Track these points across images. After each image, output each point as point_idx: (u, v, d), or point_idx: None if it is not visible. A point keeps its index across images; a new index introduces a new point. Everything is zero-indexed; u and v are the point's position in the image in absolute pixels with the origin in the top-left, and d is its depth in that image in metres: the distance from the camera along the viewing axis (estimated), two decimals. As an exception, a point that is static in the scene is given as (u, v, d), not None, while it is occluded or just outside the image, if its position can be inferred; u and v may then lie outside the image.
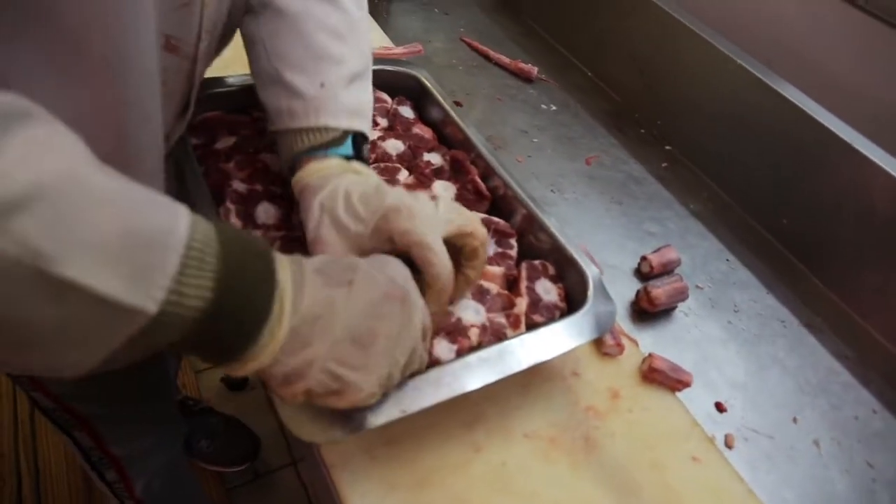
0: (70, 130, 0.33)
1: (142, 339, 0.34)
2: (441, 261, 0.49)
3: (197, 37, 0.51)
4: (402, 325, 0.44)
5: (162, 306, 0.33)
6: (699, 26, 0.96)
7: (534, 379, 0.63)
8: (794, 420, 0.70)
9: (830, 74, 0.90)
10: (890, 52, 0.85)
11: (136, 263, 0.32)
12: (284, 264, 0.41)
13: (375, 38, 1.08)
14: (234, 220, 0.62)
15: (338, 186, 0.55)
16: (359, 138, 0.60)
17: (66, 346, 0.33)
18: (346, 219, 0.52)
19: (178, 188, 0.63)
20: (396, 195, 0.52)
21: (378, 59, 0.84)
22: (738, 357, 0.74)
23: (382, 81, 0.80)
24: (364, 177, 0.57)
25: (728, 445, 0.66)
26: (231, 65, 0.91)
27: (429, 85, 0.80)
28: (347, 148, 0.58)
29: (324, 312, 0.41)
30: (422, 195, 0.54)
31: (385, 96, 0.80)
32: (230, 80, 0.74)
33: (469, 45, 1.17)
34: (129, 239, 0.32)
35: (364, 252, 0.52)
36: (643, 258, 0.80)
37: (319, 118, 0.57)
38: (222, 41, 0.62)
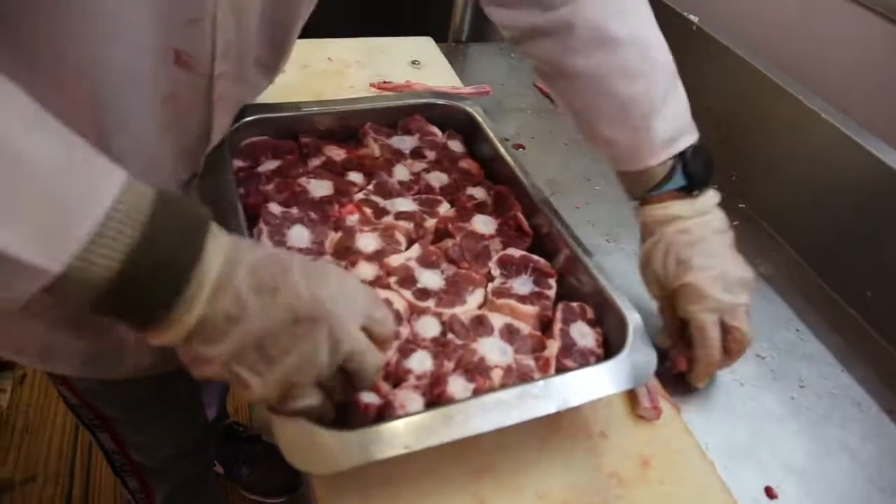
0: (12, 84, 0.34)
1: (52, 295, 0.36)
2: (712, 344, 0.61)
3: (211, 56, 0.51)
4: (316, 350, 0.42)
5: (67, 269, 0.34)
6: (781, 77, 0.89)
7: (555, 434, 0.58)
8: (861, 519, 0.60)
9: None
10: None
11: (47, 226, 0.34)
12: (218, 252, 0.40)
13: (445, 78, 1.09)
14: (266, 241, 0.62)
15: (661, 239, 0.64)
16: (694, 153, 0.63)
17: None
18: (660, 272, 0.63)
19: (214, 210, 0.65)
20: (697, 266, 0.61)
21: (435, 94, 0.84)
22: (798, 438, 0.66)
23: (435, 115, 0.80)
24: (689, 223, 0.63)
25: (776, 538, 0.58)
26: (295, 93, 0.94)
27: (480, 120, 0.79)
28: (678, 181, 0.63)
29: (240, 315, 0.40)
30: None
31: (436, 130, 0.80)
32: (282, 107, 0.75)
33: (541, 90, 1.15)
34: (46, 202, 0.34)
35: (666, 297, 0.65)
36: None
37: (641, 163, 0.63)
38: (267, 67, 0.63)
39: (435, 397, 0.52)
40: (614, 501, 0.54)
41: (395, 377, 0.53)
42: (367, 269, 0.61)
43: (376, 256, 0.63)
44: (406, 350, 0.55)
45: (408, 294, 0.59)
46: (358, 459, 0.45)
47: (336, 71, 1.04)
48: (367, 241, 0.64)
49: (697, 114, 1.03)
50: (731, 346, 0.62)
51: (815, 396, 0.70)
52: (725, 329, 0.62)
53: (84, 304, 0.37)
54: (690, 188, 0.63)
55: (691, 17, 1.03)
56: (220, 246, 0.40)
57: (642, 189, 0.65)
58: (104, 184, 0.36)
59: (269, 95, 0.81)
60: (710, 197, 0.65)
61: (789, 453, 0.64)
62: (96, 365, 0.65)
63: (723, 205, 0.95)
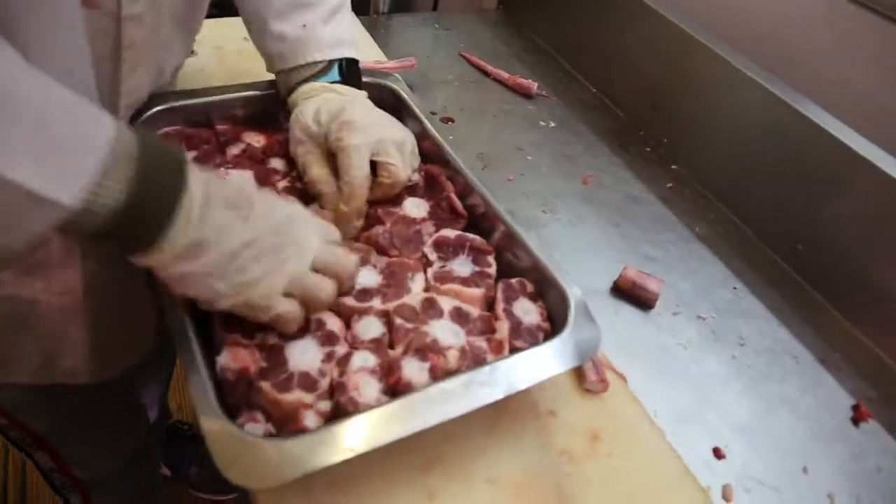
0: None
1: (65, 228, 0.40)
2: (358, 170, 0.59)
3: None
4: (282, 266, 0.48)
5: (81, 203, 0.39)
6: (710, 39, 0.89)
7: (503, 417, 0.57)
8: (805, 470, 0.62)
9: (854, 89, 0.83)
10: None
11: (60, 164, 0.38)
12: (198, 183, 0.45)
13: (369, 53, 1.04)
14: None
15: (312, 103, 0.64)
16: (346, 64, 0.68)
17: None
18: (312, 124, 0.63)
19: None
20: (356, 112, 0.62)
21: (364, 72, 0.80)
22: (741, 397, 0.67)
23: (359, 93, 0.76)
24: (341, 95, 0.66)
25: (726, 498, 0.58)
26: (210, 77, 0.89)
27: (406, 97, 0.75)
28: (333, 75, 0.67)
29: (215, 238, 0.45)
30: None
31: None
32: (194, 93, 0.70)
33: (468, 60, 1.12)
34: (57, 142, 0.38)
35: (323, 149, 0.63)
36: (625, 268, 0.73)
37: (306, 56, 0.66)
38: (182, 25, 0.60)
39: (392, 386, 0.49)
40: (566, 479, 0.54)
41: (337, 387, 0.50)
42: None
43: None
44: (344, 359, 0.52)
45: (348, 299, 0.56)
46: (301, 470, 0.42)
47: (252, 51, 0.96)
48: None
49: (628, 77, 1.02)
50: (383, 180, 0.62)
51: (754, 353, 0.71)
52: (377, 165, 0.62)
53: (88, 233, 0.41)
54: (343, 83, 0.68)
55: (614, -22, 1.02)
56: (197, 178, 0.45)
57: (298, 79, 0.67)
58: (101, 125, 0.41)
59: (182, 81, 0.76)
60: (358, 92, 0.69)
61: (734, 413, 0.65)
62: (52, 370, 0.63)
63: (656, 168, 0.95)
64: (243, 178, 0.63)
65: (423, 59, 1.09)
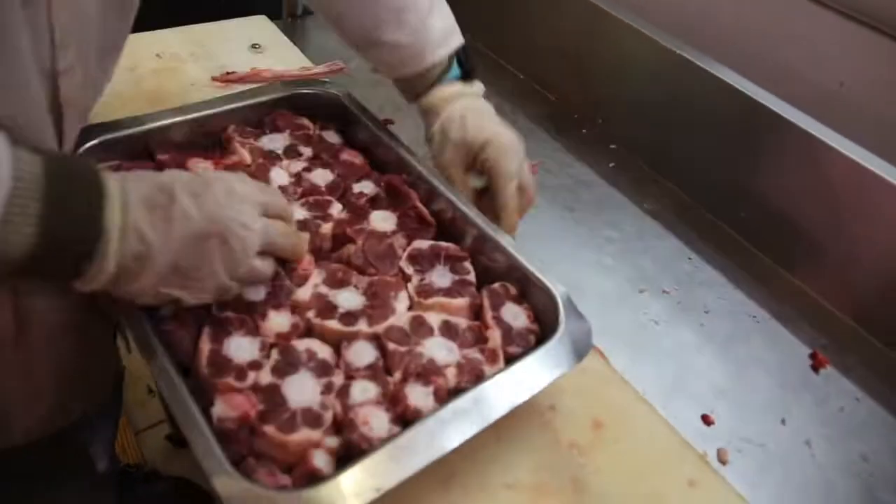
0: None
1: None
2: (512, 195, 0.65)
3: (50, 45, 0.43)
4: (225, 259, 0.47)
5: None
6: (629, 16, 0.92)
7: (507, 422, 0.56)
8: (783, 422, 0.66)
9: (775, 59, 0.88)
10: (825, 33, 0.83)
11: None
12: (115, 198, 0.43)
13: (292, 59, 1.00)
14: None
15: (455, 113, 0.68)
16: (462, 53, 0.71)
17: None
18: (457, 136, 0.67)
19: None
20: (500, 127, 0.67)
21: (296, 82, 0.77)
22: (715, 361, 0.70)
23: (301, 105, 0.73)
24: (475, 101, 0.70)
25: (722, 461, 0.61)
26: (130, 102, 0.83)
27: (352, 107, 0.73)
28: (455, 71, 0.70)
29: (146, 251, 0.44)
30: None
31: (306, 122, 0.73)
32: (125, 123, 0.65)
33: (393, 57, 1.10)
34: None
35: (467, 162, 0.68)
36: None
37: (425, 61, 0.68)
38: (104, 56, 0.53)
39: (400, 415, 0.48)
40: (580, 471, 0.55)
41: (345, 423, 0.48)
42: (279, 319, 0.54)
43: (275, 297, 0.56)
44: (343, 390, 0.50)
45: (334, 323, 0.54)
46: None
47: (169, 68, 0.92)
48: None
49: (555, 60, 1.04)
50: (523, 203, 0.69)
51: (719, 319, 0.75)
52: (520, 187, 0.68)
53: (10, 273, 0.39)
54: (465, 77, 0.71)
55: (532, -36, 1.03)
56: (114, 193, 0.43)
57: (424, 85, 0.71)
58: None
59: (102, 110, 0.70)
60: (480, 84, 0.73)
61: (713, 377, 0.68)
62: None
63: (595, 149, 0.98)
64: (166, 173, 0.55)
65: (347, 61, 1.06)
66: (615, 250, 0.80)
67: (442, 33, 0.70)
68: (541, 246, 0.79)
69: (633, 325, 0.72)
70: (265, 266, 0.51)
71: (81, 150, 0.61)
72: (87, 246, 0.41)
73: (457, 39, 0.71)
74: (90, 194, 0.42)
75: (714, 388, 0.67)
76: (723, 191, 0.86)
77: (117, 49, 0.56)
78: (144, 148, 0.66)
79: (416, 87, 0.71)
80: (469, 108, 0.69)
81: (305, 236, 0.56)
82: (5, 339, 0.52)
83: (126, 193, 0.44)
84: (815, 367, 0.72)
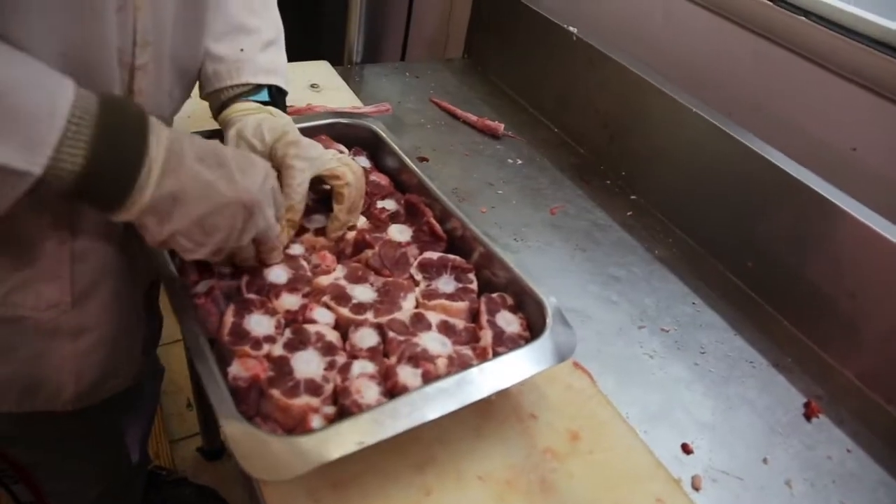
0: None
1: (30, 195, 0.44)
2: (299, 187, 0.64)
3: (132, 43, 0.53)
4: (243, 227, 0.54)
5: (45, 170, 0.43)
6: (655, 78, 0.99)
7: (488, 421, 0.61)
8: (765, 461, 0.67)
9: (791, 122, 0.93)
10: (839, 100, 0.87)
11: (24, 135, 0.42)
12: (162, 142, 0.49)
13: (346, 99, 1.11)
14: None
15: (252, 120, 0.67)
16: (276, 92, 0.72)
17: None
18: (253, 140, 0.65)
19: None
20: (296, 133, 0.66)
21: (338, 114, 0.86)
22: (705, 398, 0.73)
23: (339, 134, 0.82)
24: (276, 117, 0.69)
25: (695, 487, 0.63)
26: (201, 123, 0.94)
27: (384, 135, 0.82)
28: (263, 95, 0.70)
29: (183, 198, 0.50)
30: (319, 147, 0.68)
31: (342, 147, 0.82)
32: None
33: (438, 105, 1.20)
34: (18, 115, 0.41)
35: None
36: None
37: (241, 77, 0.69)
38: (182, 72, 0.65)
39: (389, 389, 0.54)
40: (551, 474, 0.58)
41: (341, 392, 0.54)
42: (291, 299, 0.62)
43: (294, 283, 0.63)
44: (345, 367, 0.56)
45: (345, 310, 0.61)
46: (314, 462, 0.46)
47: None
48: (278, 273, 0.64)
49: (587, 116, 1.11)
50: (339, 189, 0.68)
51: (714, 360, 0.78)
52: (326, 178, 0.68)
53: (58, 194, 0.46)
54: (271, 104, 0.71)
55: (571, 28, 1.12)
56: (162, 137, 0.49)
57: (230, 96, 0.70)
58: (61, 93, 0.44)
59: (182, 125, 0.80)
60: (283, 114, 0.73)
61: (699, 412, 0.71)
62: (35, 396, 0.63)
63: (616, 198, 1.03)
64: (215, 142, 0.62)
65: (396, 105, 1.17)
66: (621, 288, 0.84)
67: (268, 66, 0.71)
68: (547, 277, 0.85)
69: (627, 355, 0.75)
70: (251, 249, 0.60)
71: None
72: (129, 174, 0.47)
73: (280, 80, 0.72)
74: (138, 130, 0.48)
75: (699, 421, 0.70)
76: (733, 242, 0.90)
77: (193, 60, 0.67)
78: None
79: (219, 100, 0.71)
80: (267, 119, 0.68)
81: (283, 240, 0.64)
82: (63, 304, 0.60)
83: (179, 142, 0.50)
84: (808, 416, 0.74)
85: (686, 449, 0.67)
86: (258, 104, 0.70)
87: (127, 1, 0.51)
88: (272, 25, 0.73)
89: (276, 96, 0.72)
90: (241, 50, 0.69)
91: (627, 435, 0.64)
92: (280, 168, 0.64)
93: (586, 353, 0.74)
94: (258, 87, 0.70)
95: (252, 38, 0.71)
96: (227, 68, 0.69)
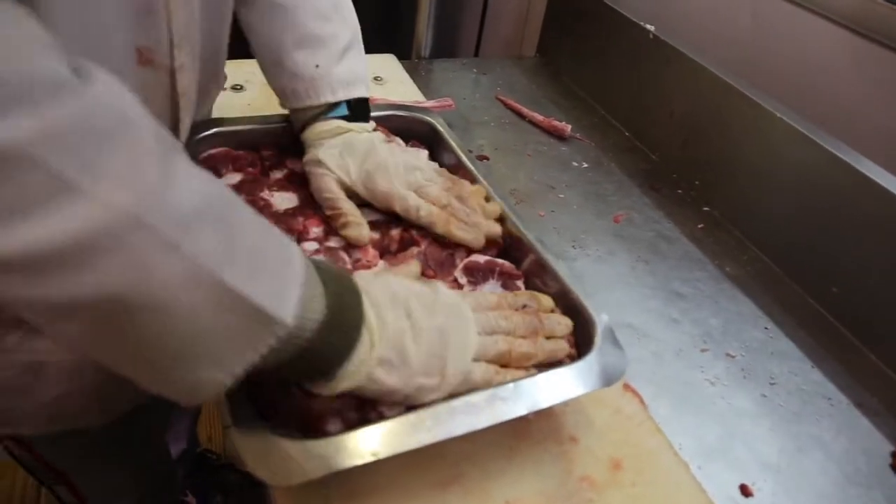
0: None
1: (270, 355, 0.39)
2: (421, 204, 0.63)
3: (169, 46, 0.51)
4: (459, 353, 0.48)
5: (296, 320, 0.38)
6: (737, 80, 0.91)
7: (523, 441, 0.57)
8: (839, 514, 0.60)
9: (884, 129, 0.83)
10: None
11: (277, 280, 0.38)
12: (366, 297, 0.45)
13: (409, 93, 1.09)
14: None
15: (334, 144, 0.66)
16: (358, 102, 0.69)
17: (210, 361, 0.37)
18: (339, 171, 0.65)
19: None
20: (381, 157, 0.65)
21: (398, 106, 0.84)
22: (771, 435, 0.65)
23: (397, 126, 0.79)
24: (358, 134, 0.67)
25: (752, 536, 0.56)
26: (261, 110, 0.94)
27: (442, 131, 0.78)
28: (342, 110, 0.68)
29: (399, 356, 0.45)
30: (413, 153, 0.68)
31: (399, 140, 0.79)
32: (241, 121, 0.74)
33: (504, 103, 1.16)
34: (270, 258, 0.39)
35: (352, 196, 0.65)
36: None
37: (319, 97, 0.67)
38: (209, 64, 0.62)
39: (415, 406, 0.50)
40: (587, 506, 0.53)
41: (366, 402, 0.51)
42: None
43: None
44: None
45: None
46: (324, 469, 0.43)
47: None
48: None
49: (661, 120, 1.04)
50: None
51: (786, 393, 0.70)
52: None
53: (282, 360, 0.40)
54: (351, 118, 0.69)
55: (648, 26, 1.05)
56: (364, 290, 0.45)
57: (309, 116, 0.68)
58: (291, 244, 0.41)
59: (235, 112, 0.80)
60: (367, 124, 0.71)
61: (763, 450, 0.63)
62: (61, 419, 0.62)
63: (687, 209, 0.96)
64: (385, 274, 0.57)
65: (461, 101, 1.13)
66: (685, 306, 0.77)
67: (345, 79, 0.68)
68: (604, 289, 0.79)
69: (686, 380, 0.69)
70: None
71: (199, 136, 0.70)
72: (356, 331, 0.43)
73: (359, 91, 0.69)
74: (353, 298, 0.45)
75: (762, 460, 0.62)
76: (817, 264, 0.81)
77: (219, 53, 0.65)
78: (252, 144, 0.74)
79: (301, 119, 0.69)
80: (349, 141, 0.67)
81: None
82: None
83: (375, 300, 0.46)
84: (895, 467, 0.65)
85: (745, 491, 0.60)
86: (339, 122, 0.68)
87: (156, 2, 0.49)
88: (347, 29, 0.70)
89: (357, 104, 0.70)
90: (317, 66, 0.67)
91: (677, 469, 0.57)
92: (388, 207, 0.65)
93: (640, 375, 0.68)
94: (339, 102, 0.68)
95: (327, 50, 0.67)
96: (304, 87, 0.67)
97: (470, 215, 0.65)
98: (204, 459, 1.36)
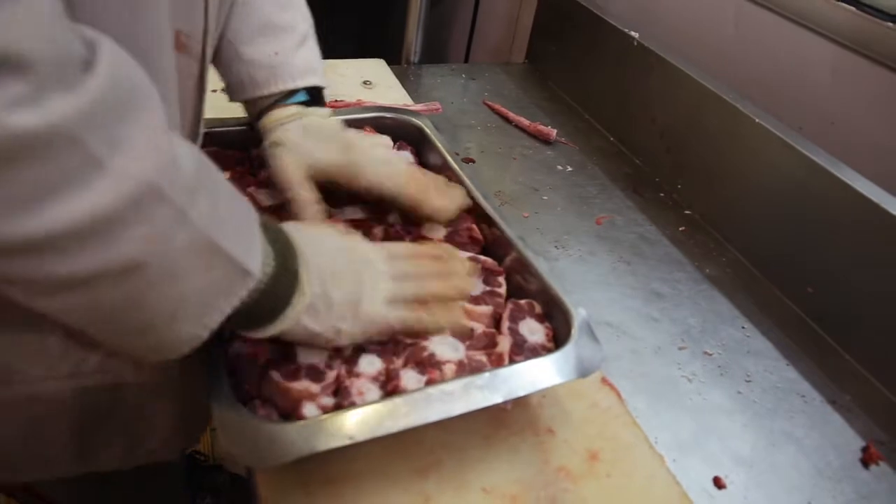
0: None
1: (239, 309, 0.42)
2: (394, 171, 0.66)
3: (203, 31, 0.51)
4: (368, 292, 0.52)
5: (259, 273, 0.43)
6: (718, 86, 0.93)
7: (500, 431, 0.58)
8: (809, 506, 0.61)
9: (866, 141, 0.85)
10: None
11: (247, 235, 0.43)
12: (299, 249, 0.49)
13: (397, 97, 1.10)
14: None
15: (295, 127, 0.66)
16: (315, 90, 0.69)
17: (195, 318, 0.40)
18: (301, 152, 0.64)
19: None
20: (349, 136, 0.67)
21: (386, 109, 0.85)
22: (745, 430, 0.66)
23: (384, 127, 0.81)
24: (321, 119, 0.68)
25: (725, 527, 0.58)
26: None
27: (429, 132, 0.80)
28: (302, 96, 0.68)
29: (326, 291, 0.49)
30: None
31: (388, 140, 0.80)
32: (229, 122, 0.75)
33: (490, 107, 1.17)
34: (241, 220, 0.43)
35: (317, 174, 0.64)
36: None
37: (279, 84, 0.67)
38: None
39: (390, 393, 0.51)
40: (562, 495, 0.54)
41: (342, 389, 0.52)
42: None
43: None
44: (352, 359, 0.54)
45: None
46: (301, 451, 0.44)
47: None
48: None
49: (644, 126, 1.06)
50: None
51: (761, 390, 0.71)
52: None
53: (237, 312, 0.43)
54: (311, 104, 0.69)
55: (632, 33, 1.07)
56: (300, 253, 0.48)
57: (268, 104, 0.68)
58: (250, 204, 0.46)
59: (225, 112, 0.81)
60: (324, 109, 0.70)
61: (737, 445, 0.65)
62: (136, 453, 0.59)
63: (669, 212, 0.98)
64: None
65: (450, 105, 1.15)
66: (664, 306, 0.79)
67: (304, 67, 0.68)
68: (585, 288, 0.80)
69: (664, 376, 0.70)
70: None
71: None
72: (294, 284, 0.47)
73: (317, 79, 0.69)
74: (290, 246, 0.48)
75: (736, 454, 0.64)
76: (794, 265, 0.83)
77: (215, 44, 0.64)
78: (241, 145, 0.76)
79: (257, 108, 0.69)
80: (313, 121, 0.67)
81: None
82: (171, 370, 0.55)
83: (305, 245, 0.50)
84: (866, 461, 0.66)
85: (718, 483, 0.61)
86: (298, 107, 0.68)
87: None
88: (303, 18, 0.71)
89: (314, 93, 0.70)
90: (276, 54, 0.67)
91: (652, 461, 0.59)
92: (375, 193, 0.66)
93: (618, 371, 0.69)
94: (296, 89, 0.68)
95: (285, 38, 0.68)
96: (263, 75, 0.67)
97: (441, 186, 0.69)
98: (193, 461, 1.36)
